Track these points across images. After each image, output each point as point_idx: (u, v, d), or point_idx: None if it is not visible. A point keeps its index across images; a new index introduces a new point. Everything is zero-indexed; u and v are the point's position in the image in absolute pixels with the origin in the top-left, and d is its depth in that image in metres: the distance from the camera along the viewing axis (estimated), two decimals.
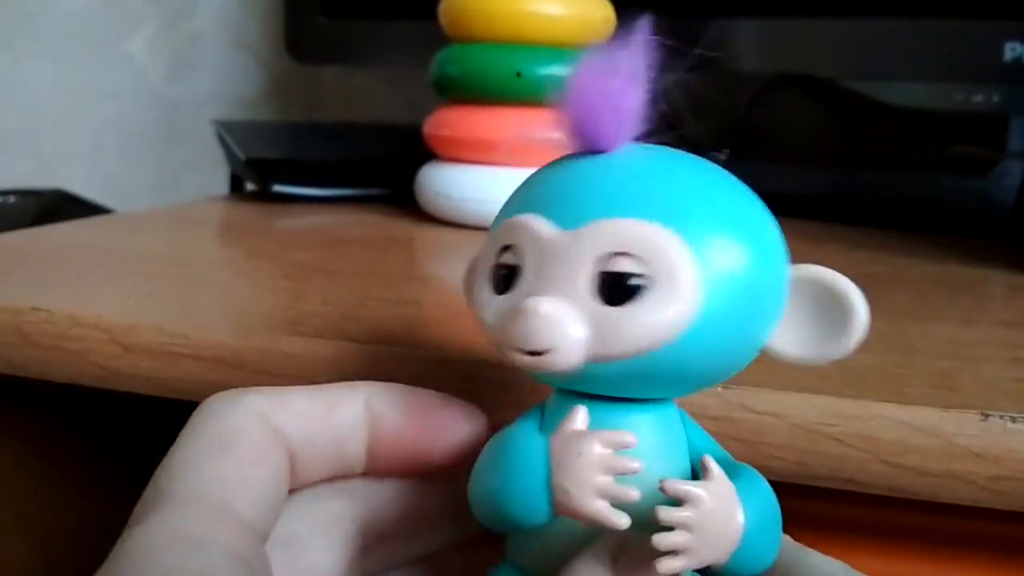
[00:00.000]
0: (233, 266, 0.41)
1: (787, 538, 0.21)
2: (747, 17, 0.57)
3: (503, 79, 0.44)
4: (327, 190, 0.55)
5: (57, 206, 0.66)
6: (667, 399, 0.20)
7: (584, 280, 0.17)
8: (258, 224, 0.49)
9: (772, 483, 0.23)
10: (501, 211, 0.20)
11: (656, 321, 0.17)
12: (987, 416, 0.22)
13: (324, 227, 0.49)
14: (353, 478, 0.22)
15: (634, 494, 0.17)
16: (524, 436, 0.19)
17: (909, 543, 0.27)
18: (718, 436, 0.23)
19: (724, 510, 0.17)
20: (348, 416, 0.21)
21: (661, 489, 0.17)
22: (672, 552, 0.17)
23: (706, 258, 0.17)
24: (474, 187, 0.45)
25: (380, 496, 0.22)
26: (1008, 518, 0.23)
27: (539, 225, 0.18)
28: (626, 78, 0.18)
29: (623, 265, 0.17)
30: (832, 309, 0.19)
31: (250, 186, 0.60)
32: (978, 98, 0.56)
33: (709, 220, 0.18)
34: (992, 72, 0.52)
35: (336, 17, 0.65)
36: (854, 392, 0.23)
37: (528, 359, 0.18)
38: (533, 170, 0.20)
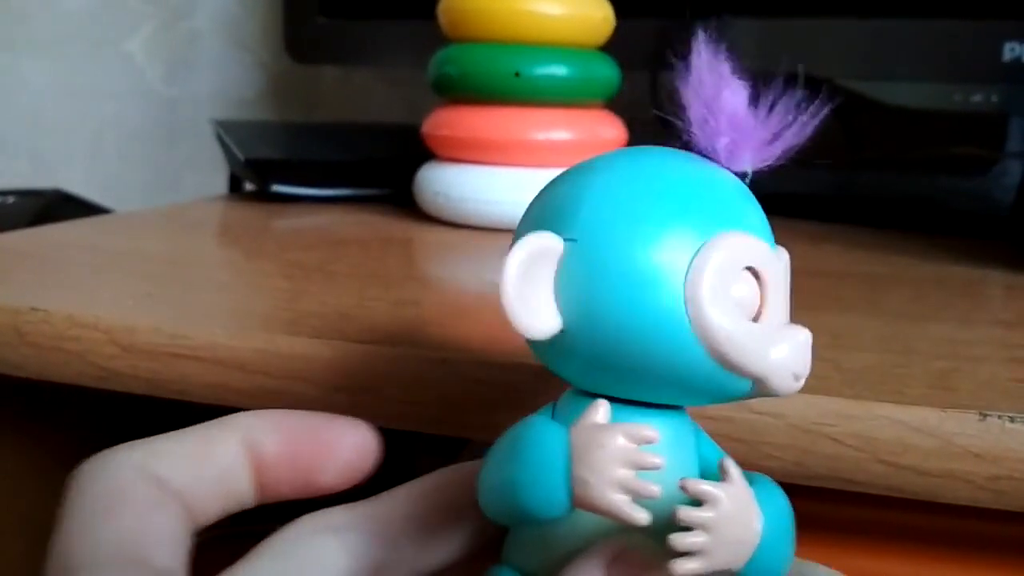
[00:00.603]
0: (232, 266, 0.41)
1: None
2: (746, 17, 0.57)
3: (502, 79, 0.44)
4: (326, 190, 0.55)
5: (56, 206, 0.66)
6: (682, 408, 0.20)
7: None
8: (257, 224, 0.49)
9: None
10: (688, 218, 0.18)
11: None
12: (986, 416, 0.22)
13: (323, 227, 0.49)
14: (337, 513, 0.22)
15: (656, 490, 0.16)
16: (544, 427, 0.18)
17: (907, 543, 0.27)
18: (718, 436, 0.23)
19: (743, 514, 0.17)
20: (227, 452, 0.21)
21: (682, 487, 0.17)
22: (688, 553, 0.16)
23: None
24: (473, 187, 0.45)
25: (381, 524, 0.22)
26: (1007, 518, 0.23)
27: (765, 247, 0.18)
28: (776, 109, 0.19)
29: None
30: None
31: (249, 186, 0.60)
32: (977, 98, 0.56)
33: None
34: (991, 72, 0.52)
35: (335, 17, 0.65)
36: (853, 392, 0.23)
37: (795, 385, 0.18)
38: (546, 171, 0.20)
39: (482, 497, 0.19)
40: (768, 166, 0.19)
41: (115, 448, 0.21)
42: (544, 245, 0.18)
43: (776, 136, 0.19)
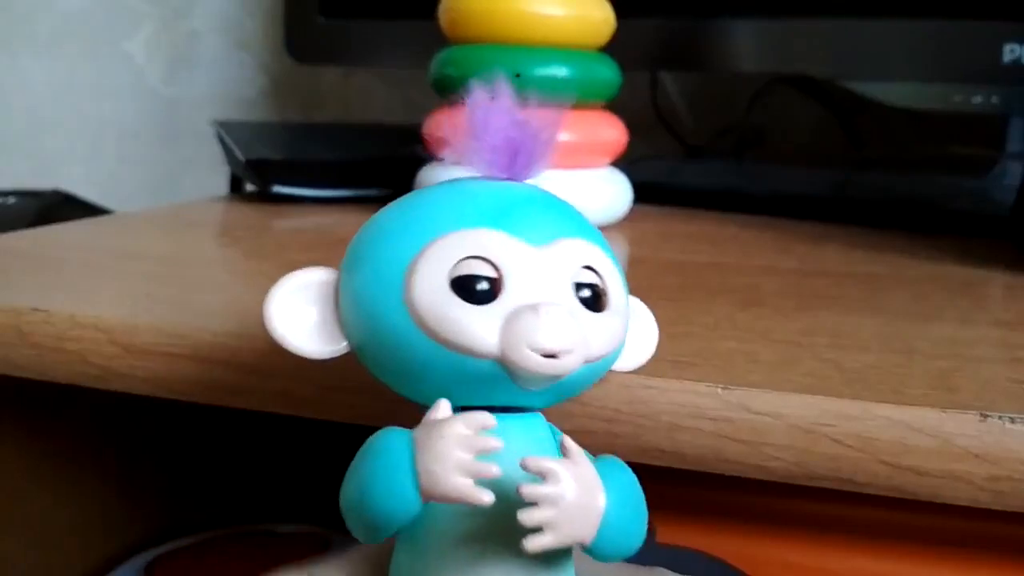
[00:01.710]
0: (233, 266, 0.41)
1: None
2: (747, 17, 0.57)
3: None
4: (327, 191, 0.55)
5: (56, 207, 0.66)
6: (535, 409, 0.21)
7: (569, 290, 0.19)
8: (258, 224, 0.49)
9: (771, 483, 0.23)
10: (427, 221, 0.20)
11: (619, 327, 0.20)
12: (986, 416, 0.22)
13: (324, 227, 0.49)
14: None
15: (496, 469, 0.18)
16: (388, 433, 0.19)
17: (908, 543, 0.27)
18: (717, 436, 0.23)
19: (586, 487, 0.18)
20: None
21: (522, 466, 0.18)
22: (538, 530, 0.17)
23: (622, 276, 0.21)
24: None
25: None
26: (1007, 518, 0.23)
27: (510, 239, 0.19)
28: (538, 119, 0.21)
29: (592, 278, 0.20)
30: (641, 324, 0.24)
31: (250, 186, 0.60)
32: (977, 99, 0.56)
33: (609, 249, 0.21)
34: (991, 73, 0.52)
35: (335, 17, 0.65)
36: (852, 392, 0.23)
37: (543, 362, 0.18)
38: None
39: (344, 515, 0.20)
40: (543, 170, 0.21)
41: None
42: (308, 279, 0.21)
43: (539, 146, 0.21)
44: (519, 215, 0.20)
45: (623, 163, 0.48)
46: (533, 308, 0.18)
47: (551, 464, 0.18)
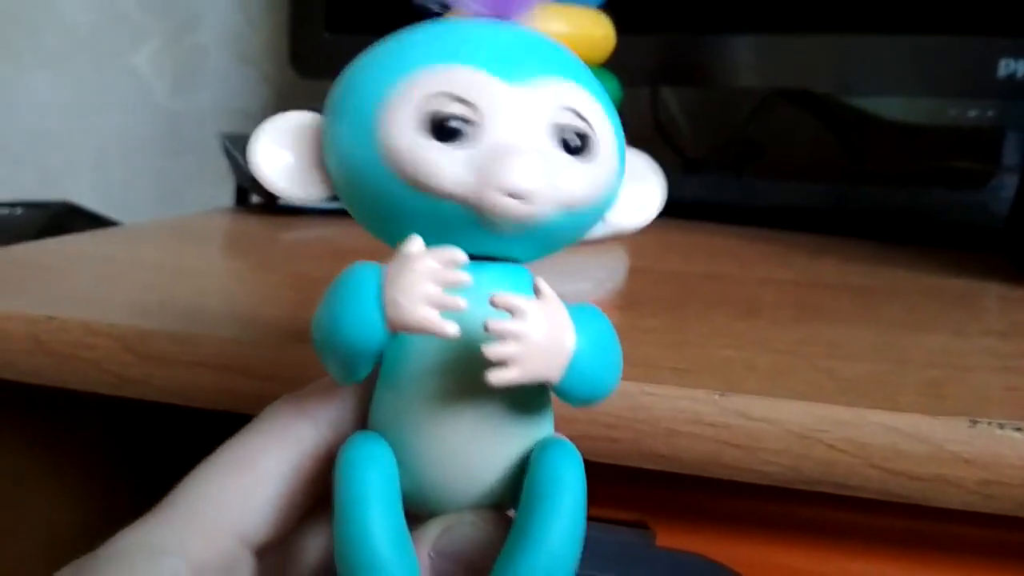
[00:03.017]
0: (241, 277, 0.41)
1: None
2: (746, 33, 0.58)
3: None
4: (332, 203, 0.55)
5: (63, 218, 0.67)
6: (519, 261, 0.20)
7: (546, 132, 0.19)
8: (265, 236, 0.50)
9: (767, 487, 0.24)
10: (402, 59, 0.19)
11: (604, 176, 0.19)
12: (976, 423, 0.23)
13: (329, 239, 0.49)
14: None
15: (462, 303, 0.17)
16: (361, 265, 0.19)
17: (900, 546, 0.28)
18: (715, 441, 0.24)
19: (554, 325, 0.18)
20: None
21: (491, 301, 0.18)
22: (502, 364, 0.17)
23: (615, 129, 0.20)
24: None
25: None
26: (997, 522, 0.24)
27: (486, 77, 0.18)
28: None
29: (574, 121, 0.19)
30: (643, 182, 0.22)
31: (255, 198, 0.60)
32: (973, 113, 0.57)
33: (605, 96, 0.20)
34: (987, 87, 0.53)
35: (340, 32, 0.66)
36: (847, 399, 0.24)
37: (509, 203, 0.18)
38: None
39: (317, 352, 0.19)
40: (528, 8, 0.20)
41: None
42: (293, 121, 0.20)
43: None
44: (498, 51, 0.19)
45: None
46: (503, 148, 0.18)
47: (519, 301, 0.18)
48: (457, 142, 0.18)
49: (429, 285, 0.18)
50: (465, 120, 0.18)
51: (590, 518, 0.19)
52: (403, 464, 0.20)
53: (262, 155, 0.20)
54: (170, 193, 0.87)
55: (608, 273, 0.43)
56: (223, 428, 0.25)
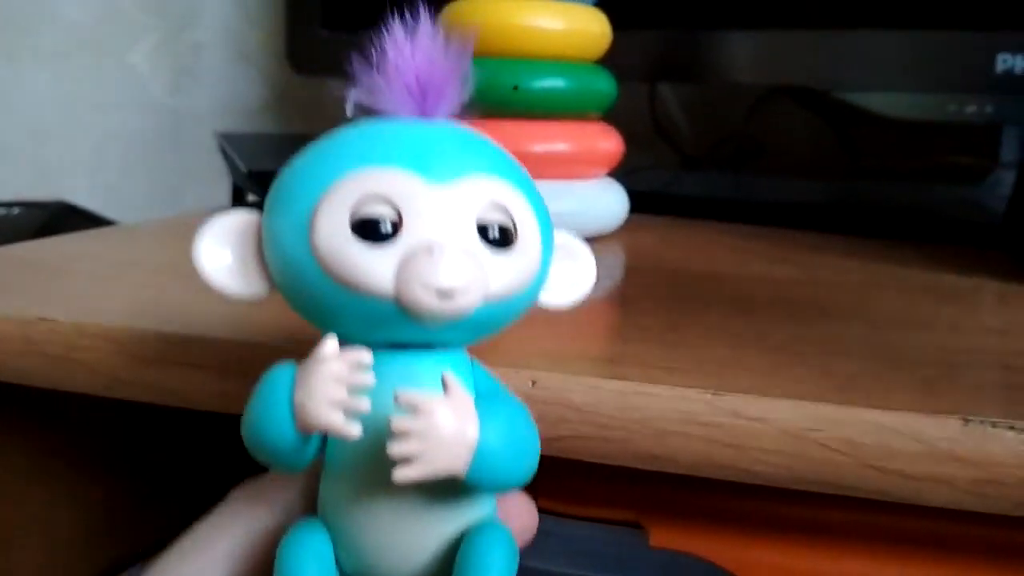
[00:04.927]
0: None
1: None
2: (744, 30, 0.58)
3: (500, 92, 0.44)
4: None
5: (60, 217, 0.67)
6: (459, 347, 0.21)
7: (470, 229, 0.19)
8: None
9: (761, 487, 0.24)
10: (334, 160, 0.20)
11: (527, 266, 0.20)
12: (968, 421, 0.22)
13: None
14: None
15: (365, 404, 0.18)
16: (278, 367, 0.20)
17: (893, 545, 0.28)
18: (707, 440, 0.24)
19: (455, 420, 0.18)
20: None
21: (395, 399, 0.19)
22: (406, 462, 0.18)
23: (539, 218, 0.21)
24: None
25: None
26: (989, 521, 0.24)
27: (411, 178, 0.19)
28: (451, 56, 0.21)
29: (498, 217, 0.20)
30: (575, 260, 0.23)
31: (251, 197, 0.60)
32: (971, 109, 0.57)
33: (529, 186, 0.21)
34: (984, 83, 0.53)
35: (337, 30, 0.66)
36: (840, 398, 0.24)
37: (436, 303, 0.18)
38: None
39: (246, 446, 0.20)
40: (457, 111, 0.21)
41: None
42: (234, 222, 0.21)
43: (450, 82, 0.21)
44: (424, 153, 0.20)
45: (622, 173, 0.49)
46: (427, 247, 0.19)
47: (420, 398, 0.18)
48: (385, 243, 0.19)
49: (334, 387, 0.18)
50: (392, 222, 0.19)
51: (584, 518, 0.19)
52: (344, 547, 0.21)
53: (204, 255, 0.21)
54: (168, 192, 0.87)
55: (606, 271, 0.43)
56: (220, 429, 0.25)
